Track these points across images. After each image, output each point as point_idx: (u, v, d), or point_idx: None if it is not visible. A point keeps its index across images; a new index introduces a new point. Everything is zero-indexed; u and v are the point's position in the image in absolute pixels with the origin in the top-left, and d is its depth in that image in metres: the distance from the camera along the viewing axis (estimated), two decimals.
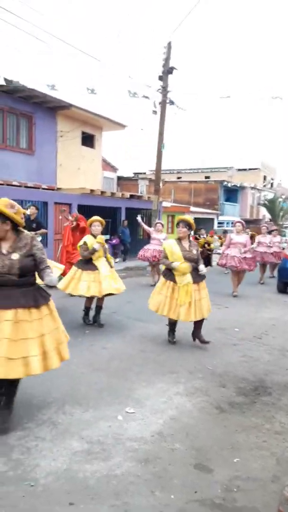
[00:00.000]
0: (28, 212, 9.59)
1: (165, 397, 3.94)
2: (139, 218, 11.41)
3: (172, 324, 5.68)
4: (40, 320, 3.13)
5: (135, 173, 33.04)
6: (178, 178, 33.34)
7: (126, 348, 5.39)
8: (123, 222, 15.98)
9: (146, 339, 5.81)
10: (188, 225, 5.46)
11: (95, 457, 2.87)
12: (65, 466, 2.76)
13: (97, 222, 6.24)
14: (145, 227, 11.47)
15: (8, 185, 12.15)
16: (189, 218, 5.73)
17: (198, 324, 5.56)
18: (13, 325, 2.95)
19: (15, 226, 3.13)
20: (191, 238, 5.72)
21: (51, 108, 13.79)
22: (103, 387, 4.07)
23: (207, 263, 12.23)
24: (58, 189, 14.24)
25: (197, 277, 5.40)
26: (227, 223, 27.50)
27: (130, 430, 3.30)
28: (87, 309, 6.45)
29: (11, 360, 2.91)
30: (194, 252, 5.44)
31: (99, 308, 6.36)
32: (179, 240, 5.49)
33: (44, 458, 2.82)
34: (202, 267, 5.41)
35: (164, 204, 19.57)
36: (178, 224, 5.51)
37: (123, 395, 3.92)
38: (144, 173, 32.13)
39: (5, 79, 11.01)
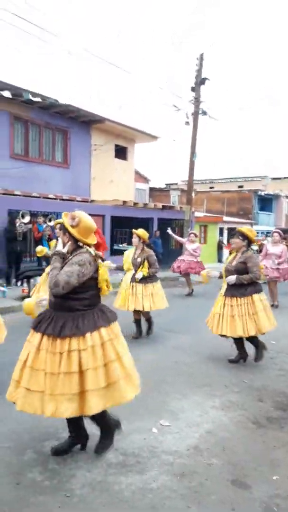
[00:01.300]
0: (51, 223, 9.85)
1: (200, 410, 3.88)
2: (169, 230, 11.42)
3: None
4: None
5: (167, 184, 33.15)
6: (211, 188, 33.16)
7: (159, 359, 5.35)
8: (155, 233, 16.00)
9: (179, 351, 5.75)
10: (242, 236, 5.11)
11: (130, 470, 2.86)
12: (100, 477, 2.75)
13: (134, 235, 6.35)
14: (177, 238, 11.45)
15: (44, 198, 12.49)
16: (247, 229, 5.29)
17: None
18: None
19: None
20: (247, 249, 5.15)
21: (86, 122, 14.11)
22: (137, 399, 4.03)
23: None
24: (92, 201, 14.49)
25: (234, 290, 5.08)
26: (262, 232, 27.01)
27: (166, 443, 3.26)
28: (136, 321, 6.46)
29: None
30: (234, 263, 5.13)
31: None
32: (231, 252, 5.38)
33: (80, 469, 2.82)
34: (230, 277, 5.08)
35: (197, 214, 19.47)
36: (233, 235, 5.31)
37: (157, 407, 3.89)
38: (176, 184, 32.17)
39: (41, 96, 11.39)
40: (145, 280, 6.16)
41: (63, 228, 2.96)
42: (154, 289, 6.23)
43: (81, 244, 2.89)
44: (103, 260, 2.96)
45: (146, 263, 6.20)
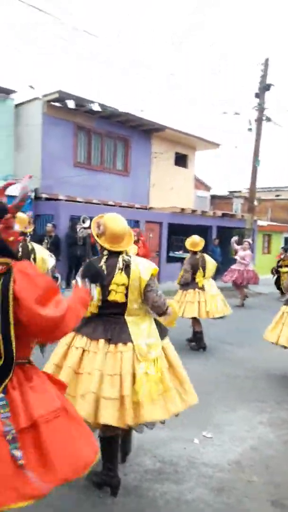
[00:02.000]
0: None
1: (247, 425, 3.73)
2: (234, 239, 11.29)
3: None
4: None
5: (230, 192, 32.57)
6: (277, 196, 32.02)
7: (209, 370, 5.24)
8: (214, 241, 15.76)
9: (231, 363, 5.59)
10: None
11: (166, 478, 2.81)
12: (136, 482, 2.74)
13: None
14: (235, 246, 11.22)
15: (104, 204, 12.83)
16: None
17: None
18: None
19: None
20: None
21: (146, 130, 14.33)
22: None
23: None
24: (150, 208, 14.62)
25: None
26: None
27: (206, 455, 3.17)
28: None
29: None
30: None
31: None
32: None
33: (122, 478, 2.81)
34: None
35: (260, 223, 18.88)
36: None
37: (201, 418, 3.80)
38: (240, 192, 31.49)
39: (100, 105, 11.73)
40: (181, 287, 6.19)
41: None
42: (186, 297, 6.08)
43: (105, 252, 2.71)
44: None
45: (182, 270, 6.23)
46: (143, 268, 2.63)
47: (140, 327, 2.61)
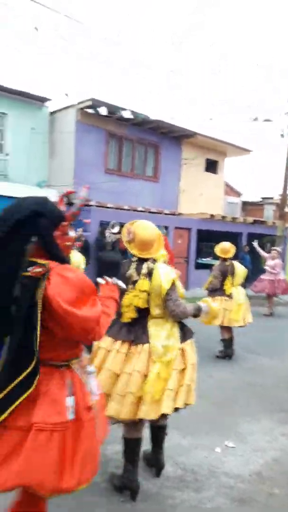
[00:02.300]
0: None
1: (270, 436, 3.70)
2: (255, 243, 11.11)
3: None
4: None
5: (263, 198, 32.06)
6: None
7: (233, 379, 5.21)
8: (244, 248, 15.59)
9: (257, 373, 5.53)
10: None
11: (186, 486, 2.84)
12: (156, 489, 2.78)
13: None
14: (261, 252, 11.05)
15: (133, 210, 12.97)
16: None
17: None
18: None
19: None
20: None
21: (177, 137, 14.39)
22: (205, 416, 3.99)
23: None
24: (179, 214, 14.64)
25: None
26: None
27: (228, 465, 3.17)
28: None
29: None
30: None
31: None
32: None
33: (146, 482, 2.86)
34: None
35: None
36: None
37: (224, 427, 3.80)
38: (272, 198, 30.95)
39: (132, 112, 11.88)
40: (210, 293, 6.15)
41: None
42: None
43: (134, 259, 2.78)
44: None
45: (211, 277, 6.25)
46: (165, 276, 2.67)
47: (161, 329, 2.68)
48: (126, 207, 12.90)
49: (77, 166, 12.15)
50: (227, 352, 6.13)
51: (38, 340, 1.66)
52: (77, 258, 4.50)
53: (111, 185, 12.75)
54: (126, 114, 11.66)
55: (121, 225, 11.34)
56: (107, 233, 10.83)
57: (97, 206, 12.24)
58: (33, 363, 1.67)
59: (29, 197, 1.81)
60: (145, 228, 2.79)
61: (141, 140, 13.67)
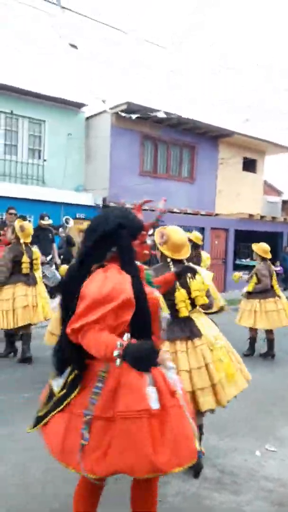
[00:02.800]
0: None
1: None
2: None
3: None
4: None
5: None
6: None
7: (274, 382, 5.06)
8: (285, 248, 15.18)
9: None
10: None
11: (224, 488, 2.77)
12: (194, 489, 2.73)
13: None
14: None
15: (169, 212, 12.94)
16: None
17: None
18: None
19: None
20: None
21: (213, 137, 14.23)
22: (243, 418, 3.89)
23: None
24: (216, 214, 14.46)
25: None
26: None
27: (268, 468, 3.07)
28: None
29: None
30: None
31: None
32: None
33: (175, 478, 2.83)
34: None
35: None
36: None
37: (263, 430, 3.69)
38: None
39: (165, 112, 11.86)
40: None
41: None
42: (262, 306, 5.92)
43: (168, 260, 3.00)
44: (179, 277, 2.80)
45: (254, 278, 6.05)
46: (205, 275, 3.08)
47: (201, 322, 2.98)
48: None
49: (112, 169, 12.28)
50: (269, 352, 6.07)
51: None
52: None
53: (146, 187, 12.78)
54: (160, 114, 11.65)
55: (154, 228, 11.41)
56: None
57: (133, 208, 12.30)
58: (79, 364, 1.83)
59: (115, 209, 1.99)
60: (177, 232, 3.05)
61: (176, 141, 13.63)
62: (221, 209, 14.60)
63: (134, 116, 11.12)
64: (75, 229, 9.16)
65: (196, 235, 6.08)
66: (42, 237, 8.78)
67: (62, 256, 9.20)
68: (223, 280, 13.28)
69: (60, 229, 9.78)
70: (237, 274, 6.35)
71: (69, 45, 7.62)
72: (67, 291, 1.85)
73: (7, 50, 19.18)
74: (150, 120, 12.27)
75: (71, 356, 1.82)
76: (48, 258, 8.41)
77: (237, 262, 13.93)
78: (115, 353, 1.56)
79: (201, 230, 12.33)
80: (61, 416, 1.83)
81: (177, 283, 2.87)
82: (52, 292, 6.55)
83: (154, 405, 1.74)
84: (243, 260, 13.81)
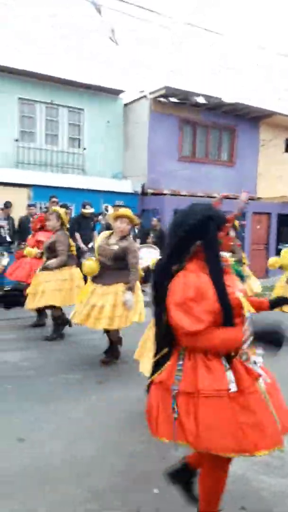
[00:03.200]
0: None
1: None
2: None
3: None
4: None
5: None
6: None
7: None
8: None
9: None
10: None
11: (273, 471, 2.78)
12: (241, 471, 2.76)
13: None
14: None
15: (208, 197, 12.78)
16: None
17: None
18: None
19: None
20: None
21: (254, 118, 13.83)
22: None
23: None
24: (258, 198, 14.12)
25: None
26: None
27: None
28: None
29: None
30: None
31: None
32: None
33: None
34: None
35: None
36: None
37: None
38: None
39: (205, 96, 11.64)
40: None
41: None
42: None
43: None
44: None
45: None
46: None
47: None
48: (200, 194, 12.75)
49: (151, 155, 12.25)
50: None
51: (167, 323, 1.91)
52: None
53: (185, 172, 12.67)
54: (200, 100, 11.45)
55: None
56: None
57: (171, 194, 12.26)
58: (169, 344, 1.96)
59: (199, 203, 2.06)
60: None
61: (215, 125, 13.37)
62: (262, 192, 14.24)
63: (174, 99, 10.99)
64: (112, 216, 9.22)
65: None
66: (84, 225, 8.98)
67: None
68: (265, 265, 13.02)
69: (100, 217, 9.92)
70: (273, 260, 6.36)
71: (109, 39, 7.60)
72: (159, 284, 1.97)
73: (42, 40, 19.40)
74: (188, 104, 12.09)
75: (166, 339, 1.98)
76: (90, 245, 8.60)
77: (280, 246, 13.59)
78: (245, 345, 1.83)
79: (242, 215, 12.10)
80: (155, 389, 2.00)
81: None
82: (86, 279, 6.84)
83: (232, 387, 1.83)
84: (286, 244, 13.46)
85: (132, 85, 13.50)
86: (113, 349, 4.71)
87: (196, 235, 1.93)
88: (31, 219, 6.33)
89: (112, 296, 4.31)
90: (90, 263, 4.38)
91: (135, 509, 2.39)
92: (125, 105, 12.86)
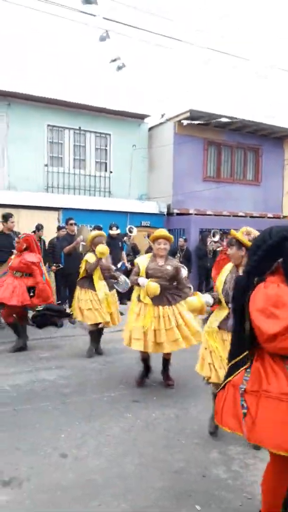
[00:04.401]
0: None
1: None
2: None
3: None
4: None
5: None
6: None
7: None
8: None
9: None
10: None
11: None
12: None
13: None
14: None
15: (234, 216, 12.84)
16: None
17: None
18: None
19: None
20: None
21: (278, 137, 13.92)
22: None
23: None
24: (284, 217, 14.07)
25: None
26: None
27: None
28: None
29: None
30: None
31: None
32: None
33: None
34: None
35: None
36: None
37: None
38: None
39: (229, 117, 11.82)
40: None
41: (238, 243, 3.17)
42: None
43: None
44: None
45: None
46: None
47: None
48: (226, 213, 12.83)
49: (176, 176, 12.46)
50: None
51: (248, 331, 2.10)
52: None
53: (211, 192, 12.80)
54: (224, 120, 11.65)
55: (222, 233, 11.37)
56: (208, 241, 10.90)
57: (197, 214, 12.38)
58: (246, 349, 2.14)
59: (275, 226, 2.22)
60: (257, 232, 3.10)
61: (240, 145, 13.52)
62: None
63: (199, 121, 11.21)
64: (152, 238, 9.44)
65: None
66: (112, 245, 9.16)
67: (130, 262, 9.52)
68: None
69: (125, 238, 10.13)
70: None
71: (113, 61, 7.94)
72: (238, 300, 2.20)
73: (65, 69, 20.18)
74: (212, 125, 12.31)
75: (245, 345, 2.16)
76: (119, 265, 8.76)
77: None
78: None
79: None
80: (227, 387, 2.20)
81: None
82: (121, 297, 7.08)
83: None
84: None
85: (156, 109, 13.81)
86: (168, 369, 4.75)
87: (273, 254, 2.11)
88: (16, 239, 6.40)
89: (176, 317, 4.41)
90: (156, 284, 4.32)
91: None
92: (150, 128, 13.20)
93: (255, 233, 3.11)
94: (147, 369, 4.74)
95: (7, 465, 3.01)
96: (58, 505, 2.59)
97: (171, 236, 4.64)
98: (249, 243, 3.05)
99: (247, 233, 3.17)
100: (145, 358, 4.66)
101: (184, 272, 4.78)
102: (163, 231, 4.66)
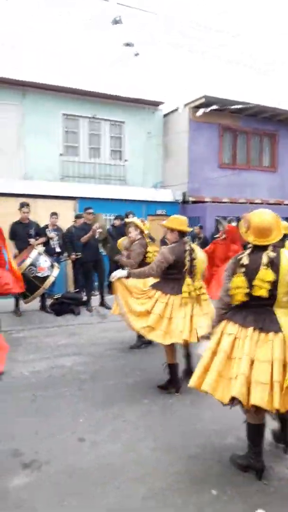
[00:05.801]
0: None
1: None
2: None
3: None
4: None
5: None
6: None
7: None
8: None
9: None
10: None
11: None
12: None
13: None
14: None
15: (250, 203, 12.68)
16: None
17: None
18: None
19: None
20: None
21: None
22: None
23: None
24: None
25: None
26: None
27: None
28: None
29: None
30: None
31: None
32: None
33: (278, 464, 2.91)
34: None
35: None
36: None
37: None
38: None
39: (243, 102, 11.60)
40: None
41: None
42: None
43: (249, 245, 2.79)
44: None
45: None
46: None
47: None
48: (242, 201, 12.68)
49: (191, 164, 12.35)
50: None
51: None
52: (201, 255, 4.47)
53: (226, 179, 12.66)
54: (239, 106, 11.45)
55: (238, 220, 11.26)
56: (220, 228, 10.80)
57: (213, 202, 12.28)
58: None
59: None
60: (260, 215, 2.77)
61: (256, 131, 13.29)
62: None
63: (214, 107, 11.04)
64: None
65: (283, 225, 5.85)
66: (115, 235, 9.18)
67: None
68: None
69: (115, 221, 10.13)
70: None
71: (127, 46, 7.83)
72: None
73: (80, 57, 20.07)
74: (227, 111, 12.12)
75: None
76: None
77: None
78: None
79: (286, 220, 11.89)
80: None
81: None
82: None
83: None
84: None
85: (171, 95, 13.64)
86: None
87: None
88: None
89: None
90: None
91: (196, 509, 2.47)
92: (165, 115, 13.07)
93: (252, 217, 2.77)
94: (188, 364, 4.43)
95: (27, 448, 3.10)
96: (77, 487, 2.67)
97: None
98: (244, 233, 2.81)
99: (245, 221, 2.80)
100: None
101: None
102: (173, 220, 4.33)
